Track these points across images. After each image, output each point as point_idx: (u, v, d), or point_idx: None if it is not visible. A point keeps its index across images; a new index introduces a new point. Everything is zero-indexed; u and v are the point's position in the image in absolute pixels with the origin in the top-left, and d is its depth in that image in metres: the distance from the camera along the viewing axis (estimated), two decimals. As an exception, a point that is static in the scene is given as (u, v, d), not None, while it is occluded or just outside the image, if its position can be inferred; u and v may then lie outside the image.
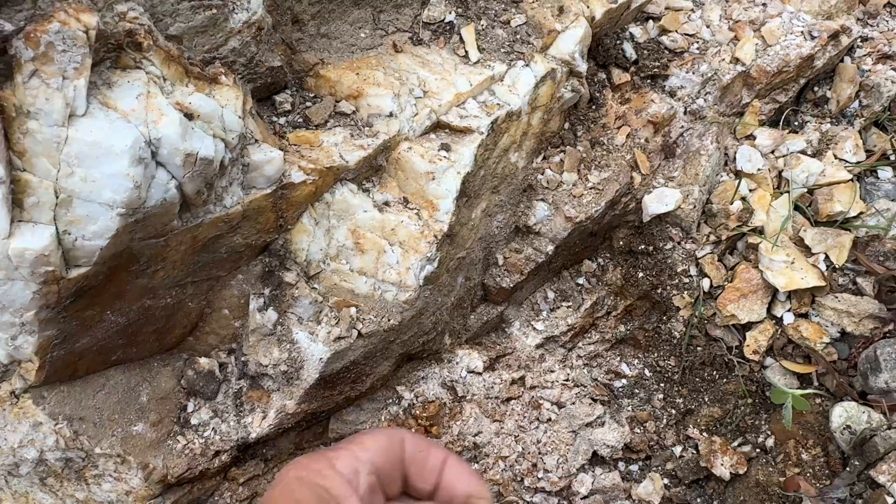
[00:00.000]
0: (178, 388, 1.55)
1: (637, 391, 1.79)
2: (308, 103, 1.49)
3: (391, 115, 1.49)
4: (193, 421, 1.54)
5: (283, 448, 1.64)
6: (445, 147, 1.50)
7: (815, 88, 1.84)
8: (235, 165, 1.30)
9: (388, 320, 1.50)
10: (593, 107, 1.73)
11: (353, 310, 1.48)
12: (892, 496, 1.39)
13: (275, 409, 1.51)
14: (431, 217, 1.49)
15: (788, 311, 1.67)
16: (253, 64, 1.35)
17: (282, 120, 1.46)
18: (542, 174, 1.67)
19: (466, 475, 0.67)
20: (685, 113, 1.72)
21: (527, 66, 1.58)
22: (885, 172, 1.79)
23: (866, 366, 1.56)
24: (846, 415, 1.54)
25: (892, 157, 1.81)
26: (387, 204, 1.49)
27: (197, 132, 1.17)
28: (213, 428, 1.53)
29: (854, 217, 1.69)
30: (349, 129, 1.48)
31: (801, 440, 1.62)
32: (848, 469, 1.51)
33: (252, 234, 1.41)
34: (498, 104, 1.54)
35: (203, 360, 1.54)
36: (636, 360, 1.81)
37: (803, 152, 1.75)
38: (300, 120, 1.47)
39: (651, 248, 1.71)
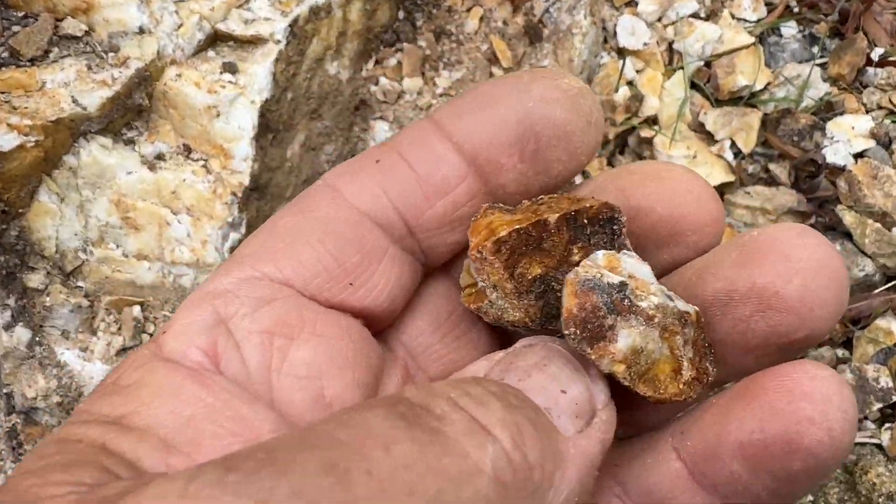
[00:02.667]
0: (-73, 440, 1.16)
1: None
2: (15, 27, 1.03)
3: (142, 30, 1.05)
4: (-44, 478, 1.15)
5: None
6: (230, 67, 1.08)
7: (702, -68, 1.49)
8: None
9: (192, 312, 1.12)
10: (432, -14, 1.33)
11: (136, 308, 1.09)
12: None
13: (62, 448, 1.14)
14: (225, 168, 1.09)
15: (694, 213, 1.39)
16: None
17: (-24, 58, 1.00)
18: (377, 84, 1.28)
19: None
20: (549, -19, 1.35)
21: (329, -61, 1.15)
22: (788, 29, 1.49)
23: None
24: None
25: (797, 8, 1.51)
26: (160, 157, 1.08)
27: None
28: (-14, 483, 1.16)
29: (760, 90, 1.39)
30: (84, 58, 1.04)
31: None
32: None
33: (-39, 232, 0.98)
34: (296, -2, 1.12)
35: (-47, 399, 1.14)
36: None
37: (696, 16, 1.42)
38: (6, 55, 1.01)
39: (526, 160, 1.38)
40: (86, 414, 0.29)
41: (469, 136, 0.33)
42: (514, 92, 0.34)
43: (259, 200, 1.15)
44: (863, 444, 1.17)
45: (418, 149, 0.34)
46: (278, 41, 1.10)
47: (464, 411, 0.26)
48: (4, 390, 1.14)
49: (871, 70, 1.45)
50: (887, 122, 1.36)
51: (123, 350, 1.09)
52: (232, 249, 1.12)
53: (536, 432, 0.27)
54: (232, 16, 1.10)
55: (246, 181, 1.09)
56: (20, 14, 1.04)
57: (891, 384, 1.17)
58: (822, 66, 1.46)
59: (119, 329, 1.09)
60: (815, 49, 1.47)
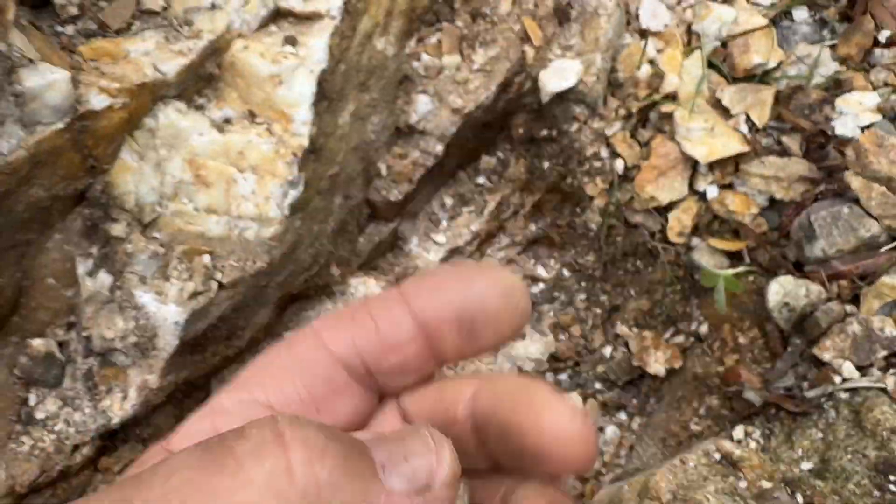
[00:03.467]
0: (13, 380, 1.27)
1: (557, 294, 1.61)
2: (102, 3, 1.15)
3: (214, 6, 1.17)
4: (39, 415, 1.27)
5: (162, 424, 1.40)
6: (290, 40, 1.20)
7: (719, -77, 1.59)
8: (2, 97, 0.97)
9: (255, 263, 1.23)
10: (469, -29, 1.44)
11: (206, 257, 1.21)
12: (839, 374, 1.27)
13: (135, 387, 1.26)
14: (286, 131, 1.20)
15: (711, 183, 1.49)
16: (3, -44, 1.01)
17: (69, 29, 1.12)
18: (419, 60, 1.39)
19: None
20: (576, -33, 1.46)
21: (379, -74, 1.27)
22: (800, 13, 1.59)
23: (800, 234, 1.40)
24: (783, 291, 1.39)
25: (807, -5, 1.61)
26: (228, 122, 1.20)
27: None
28: (65, 419, 1.27)
29: (774, 68, 1.49)
30: (162, 31, 1.16)
31: (737, 322, 1.48)
32: (789, 349, 1.38)
33: (56, 184, 1.10)
34: (349, -21, 1.24)
35: (37, 342, 1.26)
36: (552, 261, 1.61)
37: (713, -1, 1.53)
38: (94, 27, 1.13)
39: (555, 131, 1.48)
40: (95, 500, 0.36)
41: (423, 309, 0.43)
42: (461, 282, 0.44)
43: (315, 163, 1.26)
44: (868, 389, 1.26)
45: (384, 312, 0.43)
46: (334, 17, 1.21)
47: (270, 431, 0.29)
48: (84, 333, 1.25)
49: (877, 51, 1.54)
50: (893, 97, 1.46)
51: (195, 295, 1.20)
52: (291, 206, 1.23)
53: (345, 462, 0.29)
54: (292, -6, 1.21)
55: (306, 143, 1.21)
56: (106, -9, 1.16)
57: (895, 333, 1.27)
58: (832, 47, 1.56)
59: (190, 276, 1.20)
60: (825, 32, 1.57)
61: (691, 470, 1.11)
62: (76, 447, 1.28)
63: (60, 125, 1.04)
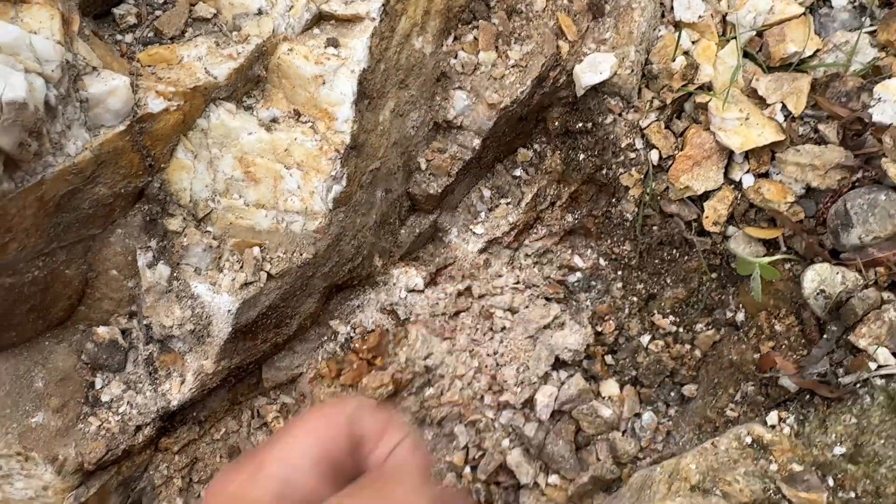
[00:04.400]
0: (80, 365, 1.37)
1: (594, 283, 1.64)
2: (158, 12, 1.23)
3: (260, 12, 1.24)
4: (104, 398, 1.36)
5: (216, 407, 1.48)
6: (333, 42, 1.26)
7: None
8: (69, 103, 1.06)
9: (301, 254, 1.30)
10: (504, -31, 1.48)
11: (256, 250, 1.28)
12: (875, 360, 1.28)
13: (192, 372, 1.34)
14: (329, 129, 1.26)
15: (747, 172, 1.50)
16: (68, -28, 1.09)
17: (128, 37, 1.20)
18: (455, 58, 1.44)
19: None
20: (610, -38, 1.48)
21: (416, -71, 1.32)
22: (838, 0, 1.58)
23: (836, 222, 1.41)
24: (819, 278, 1.40)
25: (846, -19, 1.60)
26: (275, 121, 1.27)
27: (-5, 70, 0.93)
28: (128, 402, 1.36)
29: (810, 56, 1.50)
30: (213, 36, 1.23)
31: (773, 310, 1.49)
32: (825, 336, 1.39)
33: (118, 182, 1.18)
34: (388, -19, 1.29)
35: (102, 330, 1.35)
36: (589, 251, 1.64)
37: (748, -11, 1.53)
38: (151, 34, 1.21)
39: (590, 124, 1.51)
40: None
41: None
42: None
43: (357, 158, 1.32)
44: (905, 375, 1.27)
45: None
46: (373, 18, 1.27)
47: None
48: (144, 321, 1.34)
49: (919, 36, 1.53)
50: (933, 83, 1.45)
51: (245, 285, 1.28)
52: (335, 201, 1.29)
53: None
54: (334, -2, 1.27)
55: (347, 140, 1.27)
56: (161, 0, 1.24)
57: (932, 320, 1.27)
58: (871, 34, 1.55)
59: (241, 267, 1.28)
60: (865, 18, 1.56)
61: (722, 453, 1.14)
62: (139, 428, 1.37)
63: (121, 127, 1.12)
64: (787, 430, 1.28)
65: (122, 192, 1.20)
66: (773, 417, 1.31)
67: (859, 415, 1.23)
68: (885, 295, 1.36)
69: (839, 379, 1.31)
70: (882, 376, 1.28)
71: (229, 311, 1.26)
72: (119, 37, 1.20)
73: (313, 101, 1.26)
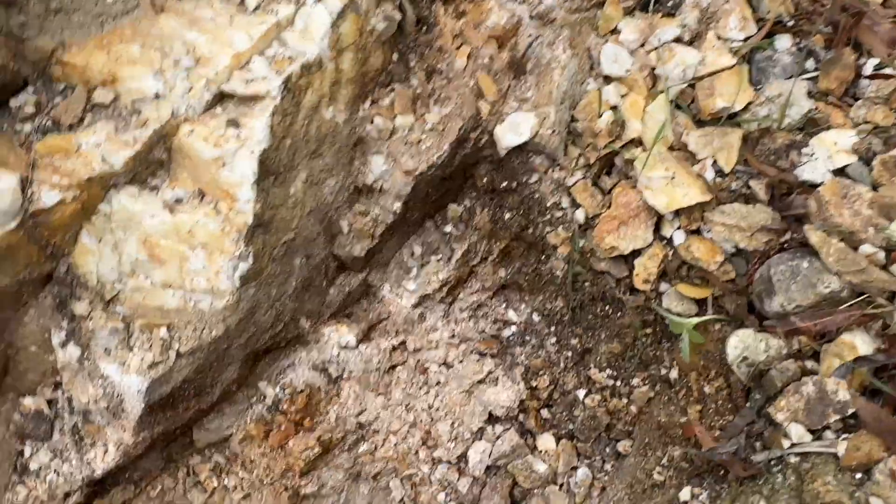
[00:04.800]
0: (9, 435, 1.41)
1: (528, 338, 1.62)
2: (58, 99, 1.24)
3: (158, 96, 1.24)
4: (33, 466, 1.41)
5: (150, 467, 1.52)
6: (233, 123, 1.26)
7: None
8: (-47, 209, 1.08)
9: (211, 332, 1.32)
10: (424, 28, 1.46)
11: (163, 330, 1.29)
12: (789, 437, 1.25)
13: (113, 443, 1.37)
14: (231, 209, 1.27)
15: (678, 229, 1.46)
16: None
17: (27, 127, 1.22)
18: (372, 123, 1.42)
19: None
20: (532, 18, 1.45)
21: (319, 1, 1.30)
22: (782, 42, 1.52)
23: (760, 287, 1.37)
24: (742, 345, 1.37)
25: (790, 22, 1.54)
26: (179, 201, 1.28)
27: None
28: (55, 470, 1.40)
29: (743, 109, 1.45)
30: (112, 122, 1.24)
31: (703, 371, 1.46)
32: (749, 404, 1.36)
33: (19, 271, 1.21)
34: (290, 57, 1.28)
35: (28, 401, 1.39)
36: (523, 305, 1.63)
37: (678, 40, 1.48)
38: (49, 123, 1.22)
39: (514, 183, 1.49)
40: None
41: None
42: None
43: (265, 234, 1.32)
44: (819, 454, 1.23)
45: None
46: (274, 97, 1.26)
47: None
48: (66, 394, 1.37)
49: (863, 82, 1.46)
50: (871, 138, 1.39)
51: (154, 364, 1.30)
52: (242, 278, 1.30)
53: None
54: (235, 77, 1.26)
55: (250, 220, 1.27)
56: (62, 87, 1.25)
57: (848, 397, 1.23)
58: (814, 79, 1.49)
59: (150, 347, 1.30)
60: (810, 62, 1.50)
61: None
62: (67, 495, 1.41)
63: (13, 224, 1.14)
64: (698, 507, 1.26)
65: (27, 279, 1.22)
66: (685, 493, 1.29)
67: (768, 496, 1.20)
68: (810, 364, 1.32)
69: (753, 455, 1.28)
70: (798, 454, 1.25)
71: (139, 390, 1.29)
72: (18, 126, 1.21)
73: (215, 182, 1.26)
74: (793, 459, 1.24)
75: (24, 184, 1.15)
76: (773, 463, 1.26)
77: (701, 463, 1.38)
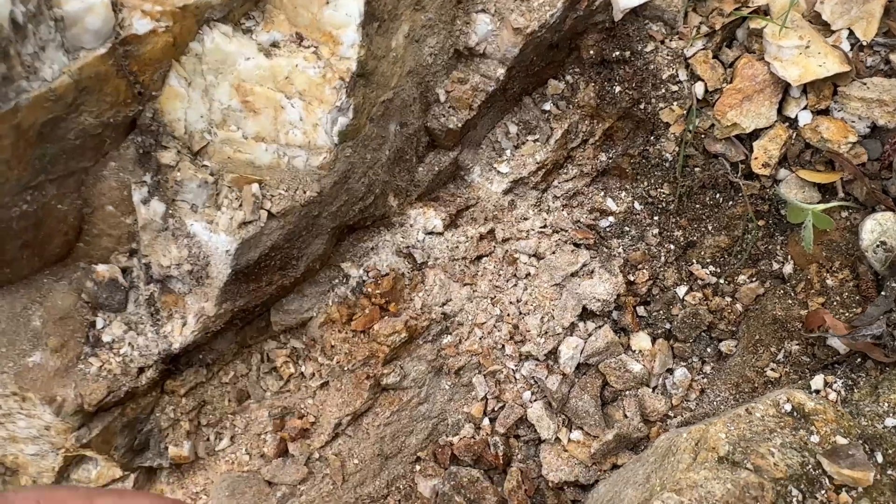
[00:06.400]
0: (81, 304, 1.31)
1: (627, 229, 1.51)
2: (147, -78, 1.11)
3: (258, -78, 1.11)
4: (105, 338, 1.31)
5: (224, 350, 1.43)
6: (338, -43, 1.13)
7: None
8: (42, 22, 0.96)
9: (304, 192, 1.21)
10: None
11: (255, 186, 1.19)
12: (939, 323, 1.14)
13: (193, 314, 1.28)
14: (334, 54, 1.15)
15: (804, 108, 1.34)
16: None
17: (113, -50, 1.09)
18: (479, -24, 1.30)
19: None
20: None
21: None
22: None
23: (904, 166, 1.25)
24: (880, 228, 1.25)
25: None
26: (275, 45, 1.16)
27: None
28: (130, 343, 1.31)
29: (886, -25, 1.31)
30: (206, -50, 1.12)
31: (826, 263, 1.35)
32: (883, 293, 1.25)
33: (105, 111, 1.10)
34: None
35: (101, 268, 1.29)
36: (623, 193, 1.51)
37: None
38: (138, -53, 1.10)
39: (628, 53, 1.36)
40: None
41: None
42: None
43: (366, 88, 1.21)
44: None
45: None
46: (384, -71, 1.13)
47: None
48: (143, 260, 1.27)
49: None
50: None
51: (245, 224, 1.19)
52: (341, 134, 1.19)
53: None
54: None
55: (354, 67, 1.15)
56: None
57: None
58: (960, -51, 1.35)
59: (240, 205, 1.19)
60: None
61: (757, 421, 1.02)
62: (141, 370, 1.32)
63: (103, 50, 1.03)
64: (833, 396, 1.15)
65: (111, 121, 1.11)
66: (818, 381, 1.18)
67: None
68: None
69: (894, 343, 1.17)
70: (946, 340, 1.14)
71: (227, 251, 1.19)
72: (104, -51, 1.09)
73: (316, 23, 1.14)
74: (942, 346, 1.13)
75: (115, 6, 1.03)
76: (918, 350, 1.15)
77: (827, 356, 1.27)
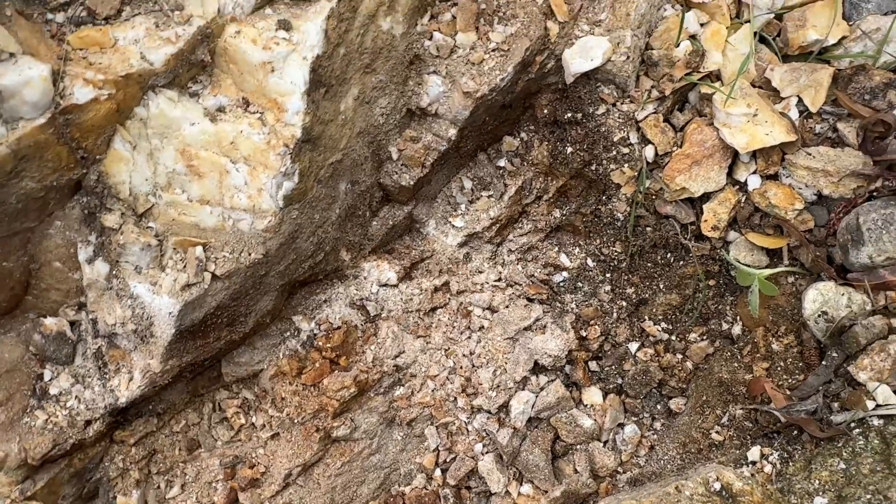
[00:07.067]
0: (28, 356, 1.32)
1: (580, 285, 1.52)
2: (93, -12, 1.12)
3: (204, -10, 1.12)
4: (53, 391, 1.32)
5: (175, 400, 1.43)
6: (284, 25, 1.14)
7: None
8: (-22, 96, 0.97)
9: (250, 254, 1.22)
10: (491, -62, 1.33)
11: (199, 249, 1.19)
12: (874, 398, 1.15)
13: (139, 370, 1.28)
14: (279, 121, 1.16)
15: (754, 173, 1.35)
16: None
17: (59, 17, 1.10)
18: (431, 39, 1.30)
19: None
20: (610, -69, 1.32)
21: None
22: (877, -24, 1.39)
23: (846, 237, 1.26)
24: (821, 298, 1.26)
25: (887, -45, 1.40)
26: (221, 110, 1.17)
27: None
28: (77, 396, 1.31)
29: (834, 45, 1.32)
30: (153, 16, 1.13)
31: (772, 327, 1.36)
32: (824, 363, 1.26)
33: (47, 175, 1.10)
34: (349, -45, 1.16)
35: (49, 321, 1.30)
36: (577, 249, 1.52)
37: (768, -35, 1.35)
38: (84, 14, 1.11)
39: (580, 114, 1.37)
40: None
41: None
42: None
43: (312, 152, 1.21)
44: (906, 417, 1.14)
45: None
46: (330, -1, 1.14)
47: None
48: (90, 316, 1.28)
49: (966, 22, 1.34)
50: (975, 80, 1.26)
51: (188, 286, 1.20)
52: (286, 198, 1.19)
53: None
54: (288, -26, 1.14)
55: (298, 133, 1.16)
56: (98, -25, 1.13)
57: (943, 358, 1.13)
58: (911, 17, 1.36)
59: (184, 267, 1.20)
60: (906, -1, 1.37)
61: (685, 500, 1.03)
62: (88, 423, 1.32)
63: (42, 120, 1.03)
64: (768, 468, 1.16)
65: (55, 184, 1.12)
66: (755, 453, 1.19)
67: (849, 459, 1.11)
68: (895, 322, 1.22)
69: (832, 416, 1.18)
70: (880, 416, 1.15)
71: (171, 313, 1.19)
72: (49, 16, 1.10)
73: (262, 89, 1.15)
74: (876, 422, 1.14)
75: (55, 77, 1.04)
76: (853, 425, 1.16)
77: (768, 423, 1.28)
